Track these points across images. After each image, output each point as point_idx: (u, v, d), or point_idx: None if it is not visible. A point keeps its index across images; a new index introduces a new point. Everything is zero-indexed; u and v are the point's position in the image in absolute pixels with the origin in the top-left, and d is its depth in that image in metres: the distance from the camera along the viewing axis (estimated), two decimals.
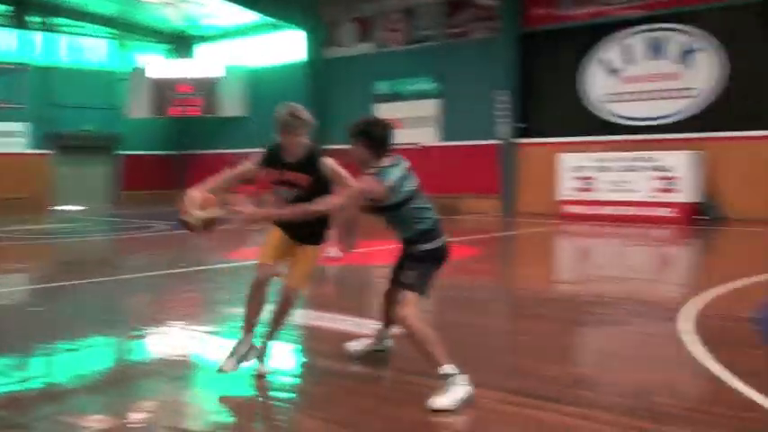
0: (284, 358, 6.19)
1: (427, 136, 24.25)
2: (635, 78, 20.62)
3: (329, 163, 5.03)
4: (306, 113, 5.06)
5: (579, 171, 20.43)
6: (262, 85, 29.15)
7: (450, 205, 21.00)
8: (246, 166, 5.26)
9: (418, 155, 20.04)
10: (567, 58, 21.76)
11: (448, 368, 4.58)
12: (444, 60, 24.13)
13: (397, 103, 25.09)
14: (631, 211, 19.24)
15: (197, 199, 4.97)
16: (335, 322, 6.90)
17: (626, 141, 20.24)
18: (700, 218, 18.72)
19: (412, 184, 4.86)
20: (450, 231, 5.14)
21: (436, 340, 4.68)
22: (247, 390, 5.10)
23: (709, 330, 6.63)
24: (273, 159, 5.13)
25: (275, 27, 28.83)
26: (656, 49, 20.28)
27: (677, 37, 19.90)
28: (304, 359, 6.15)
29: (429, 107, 24.61)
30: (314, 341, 6.65)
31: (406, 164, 4.90)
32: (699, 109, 19.52)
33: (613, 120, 20.97)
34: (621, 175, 19.63)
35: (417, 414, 4.43)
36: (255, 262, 5.25)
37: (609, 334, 6.95)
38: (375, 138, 4.76)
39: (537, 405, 4.60)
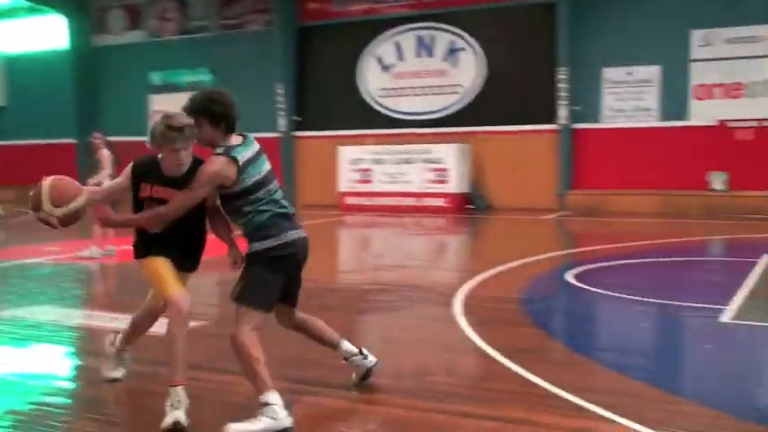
0: (58, 362, 5.83)
1: None
2: (406, 74, 21.49)
3: None
4: (186, 121, 4.19)
5: (358, 163, 20.94)
6: (22, 74, 27.07)
7: None
8: (117, 181, 4.55)
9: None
10: (343, 53, 22.22)
11: (269, 397, 4.05)
12: (220, 52, 23.73)
13: (174, 95, 24.26)
14: (408, 201, 20.04)
15: (50, 192, 4.15)
16: (109, 321, 6.59)
17: (401, 135, 21.04)
18: (469, 207, 19.89)
19: (263, 168, 4.30)
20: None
21: (263, 364, 4.15)
22: (18, 398, 4.75)
23: (481, 312, 7.08)
24: (147, 173, 4.35)
25: (33, 11, 26.82)
26: (424, 47, 21.26)
27: (444, 36, 20.99)
28: (78, 362, 5.82)
29: None
30: (88, 342, 6.31)
31: (257, 145, 4.34)
32: (464, 104, 20.74)
33: (388, 114, 21.72)
34: (397, 167, 20.38)
35: (201, 410, 4.36)
36: (171, 293, 4.25)
37: (389, 320, 7.20)
38: (218, 113, 4.20)
39: (324, 393, 4.69)
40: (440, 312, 7.17)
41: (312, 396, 4.64)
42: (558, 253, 11.97)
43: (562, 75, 19.09)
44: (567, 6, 18.99)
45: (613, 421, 4.10)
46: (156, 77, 24.96)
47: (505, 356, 5.38)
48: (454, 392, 4.69)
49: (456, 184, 19.80)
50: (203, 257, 4.59)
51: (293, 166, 22.70)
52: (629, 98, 18.89)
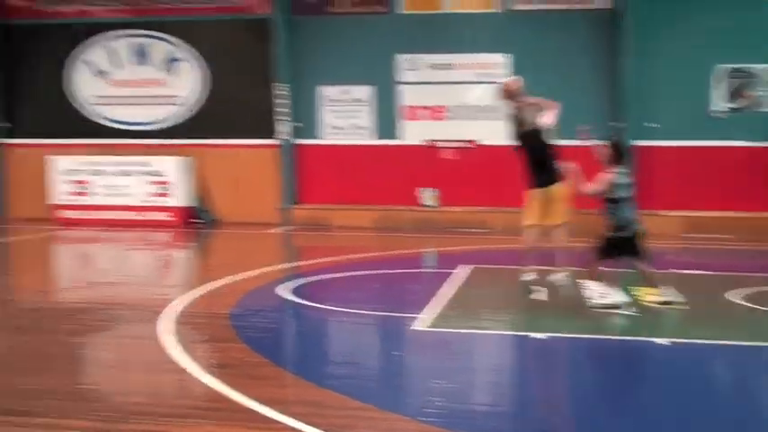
0: None
1: None
2: (123, 82, 20.75)
3: None
4: None
5: (73, 174, 19.83)
6: None
7: None
8: None
9: None
10: (52, 57, 20.90)
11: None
12: None
13: None
14: (129, 215, 19.32)
15: None
16: None
17: (119, 145, 20.27)
18: (194, 221, 19.63)
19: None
20: None
21: None
22: None
23: (188, 329, 7.08)
24: None
25: None
26: (141, 55, 20.66)
27: (161, 45, 20.56)
28: None
29: None
30: None
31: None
32: (185, 116, 20.46)
33: (105, 123, 20.84)
34: (117, 179, 19.59)
35: None
36: None
37: (92, 341, 6.96)
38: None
39: (4, 421, 4.45)
40: (145, 330, 7.06)
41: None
42: (277, 267, 12.22)
43: (282, 91, 19.50)
44: (283, 25, 19.44)
45: (297, 430, 4.33)
46: None
47: (204, 373, 5.45)
48: (144, 412, 4.67)
49: (180, 197, 19.45)
50: None
51: (1, 176, 21.02)
52: (345, 116, 19.75)
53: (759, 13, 17.83)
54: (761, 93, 17.89)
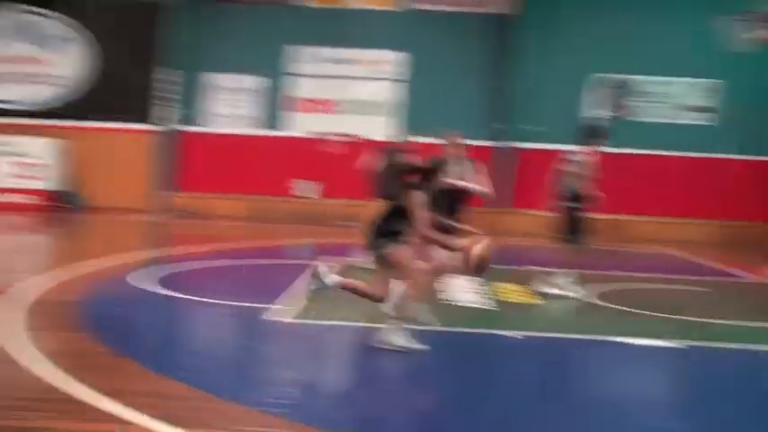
0: None
1: None
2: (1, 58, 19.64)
3: None
4: None
5: None
6: None
7: None
8: None
9: None
10: None
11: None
12: None
13: None
14: None
15: None
16: None
17: None
18: (63, 205, 18.70)
19: None
20: None
21: None
22: None
23: (33, 316, 6.59)
24: None
25: None
26: (22, 32, 19.57)
27: (47, 23, 19.54)
28: None
29: None
30: None
31: None
32: (65, 98, 19.51)
33: None
34: None
35: None
36: None
37: None
38: None
39: None
40: None
41: None
42: (140, 255, 11.63)
43: (166, 76, 18.88)
44: (177, 10, 18.84)
45: (133, 422, 4.06)
46: None
47: (40, 363, 5.07)
48: None
49: (48, 180, 18.52)
50: None
51: None
52: (232, 105, 19.31)
53: (641, 26, 18.44)
54: (636, 102, 18.61)
